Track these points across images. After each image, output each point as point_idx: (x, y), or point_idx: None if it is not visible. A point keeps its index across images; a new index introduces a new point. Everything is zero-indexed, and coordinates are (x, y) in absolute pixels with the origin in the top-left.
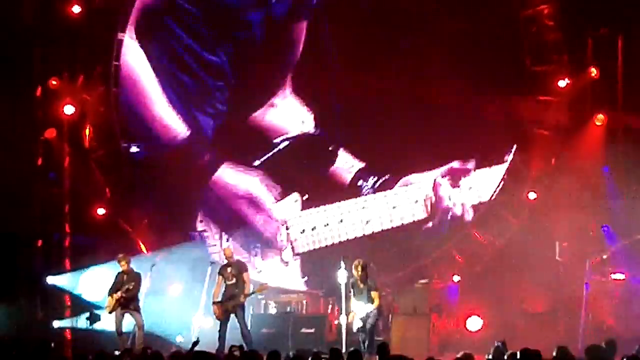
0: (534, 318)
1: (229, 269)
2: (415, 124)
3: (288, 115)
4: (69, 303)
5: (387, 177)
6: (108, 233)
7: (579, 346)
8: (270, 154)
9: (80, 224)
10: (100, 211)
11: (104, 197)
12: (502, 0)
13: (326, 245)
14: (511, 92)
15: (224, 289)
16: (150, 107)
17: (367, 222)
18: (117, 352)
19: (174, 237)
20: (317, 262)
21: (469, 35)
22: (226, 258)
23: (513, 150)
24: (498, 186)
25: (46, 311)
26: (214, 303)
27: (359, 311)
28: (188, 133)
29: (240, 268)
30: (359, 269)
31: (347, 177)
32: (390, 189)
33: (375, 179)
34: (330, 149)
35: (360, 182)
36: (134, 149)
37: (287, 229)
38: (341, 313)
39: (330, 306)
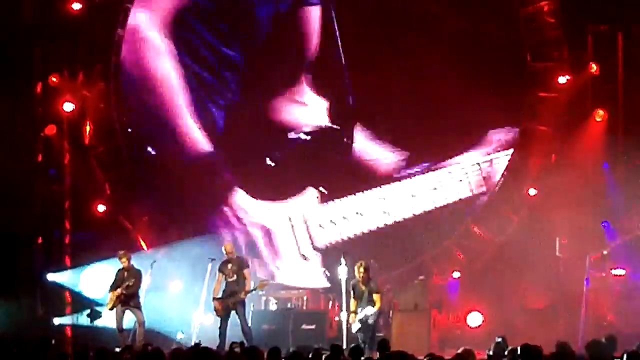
0: (534, 314)
1: (229, 266)
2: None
3: (304, 108)
4: (69, 300)
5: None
6: (108, 230)
7: (579, 342)
8: (287, 149)
9: (80, 220)
10: (101, 208)
11: (104, 194)
12: None
13: (348, 238)
14: (512, 88)
15: (224, 285)
16: (175, 114)
17: (404, 206)
18: (117, 349)
19: (175, 234)
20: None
21: (470, 32)
22: (226, 254)
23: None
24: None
25: (47, 308)
26: (214, 299)
27: (358, 313)
28: (210, 148)
29: (240, 264)
30: (361, 270)
31: (386, 167)
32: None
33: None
34: (346, 140)
35: (401, 171)
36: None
37: (305, 223)
38: (341, 309)
39: (330, 302)
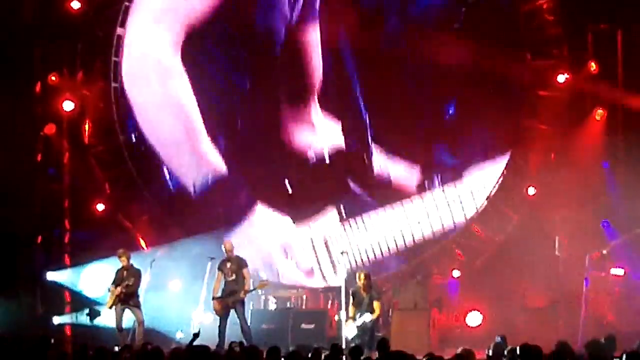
0: (533, 313)
1: (228, 264)
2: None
3: (317, 129)
4: (69, 299)
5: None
6: (108, 229)
7: (578, 341)
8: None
9: (80, 219)
10: (100, 207)
11: (104, 193)
12: None
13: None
14: (511, 86)
15: (223, 284)
16: (195, 139)
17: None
18: (117, 348)
19: (174, 233)
20: None
21: (470, 30)
22: (226, 252)
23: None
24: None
25: (46, 307)
26: (213, 299)
27: (357, 319)
28: (226, 170)
29: (240, 263)
30: (362, 278)
31: (409, 183)
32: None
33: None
34: (365, 160)
35: (425, 185)
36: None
37: (326, 245)
38: (341, 308)
39: (330, 301)
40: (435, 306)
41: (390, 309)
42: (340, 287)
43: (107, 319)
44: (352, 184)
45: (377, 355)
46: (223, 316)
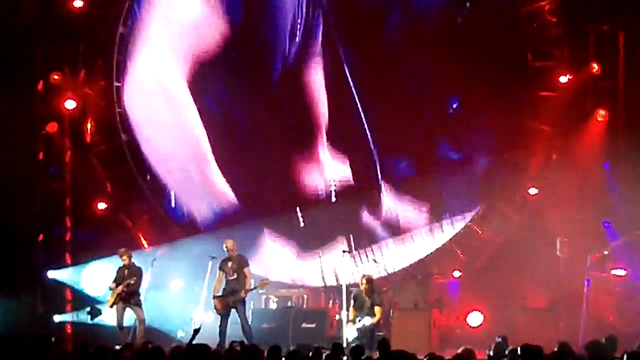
0: (534, 314)
1: (229, 264)
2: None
3: (325, 166)
4: (69, 297)
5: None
6: (109, 227)
7: (579, 342)
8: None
9: (81, 218)
10: (101, 206)
11: (105, 192)
12: None
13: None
14: (513, 87)
15: (224, 283)
16: (203, 168)
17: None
18: (117, 347)
19: (175, 232)
20: None
21: (471, 31)
22: (227, 251)
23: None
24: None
25: (47, 306)
26: (214, 297)
27: (357, 323)
28: (234, 199)
29: (241, 262)
30: (364, 282)
31: (418, 223)
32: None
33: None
34: (376, 195)
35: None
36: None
37: (336, 277)
38: (342, 308)
39: (331, 301)
40: (435, 306)
41: (391, 309)
42: (341, 287)
43: (108, 317)
44: (362, 217)
45: (377, 355)
46: (224, 315)
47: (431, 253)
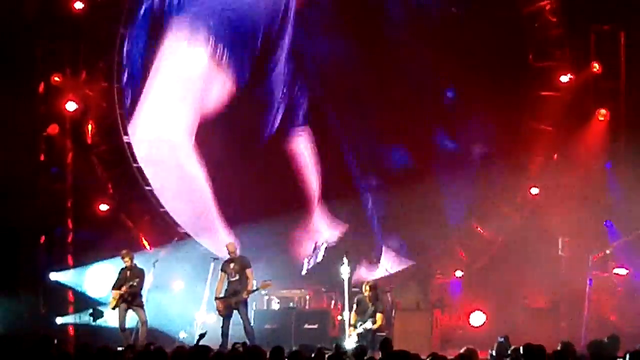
0: (536, 313)
1: (231, 265)
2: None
3: (321, 233)
4: (71, 299)
5: None
6: (110, 229)
7: (581, 341)
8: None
9: (82, 219)
10: (103, 207)
11: (107, 193)
12: None
13: None
14: (514, 87)
15: (226, 284)
16: (209, 226)
17: None
18: (120, 348)
19: (177, 233)
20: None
21: (472, 30)
22: (229, 253)
23: None
24: None
25: (49, 307)
26: (216, 299)
27: (358, 327)
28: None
29: (243, 264)
30: (367, 288)
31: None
32: None
33: None
34: (374, 258)
35: None
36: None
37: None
38: (344, 309)
39: (333, 302)
40: (437, 306)
41: (393, 309)
42: (343, 288)
43: (110, 319)
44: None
45: (380, 356)
46: (226, 316)
47: (433, 251)
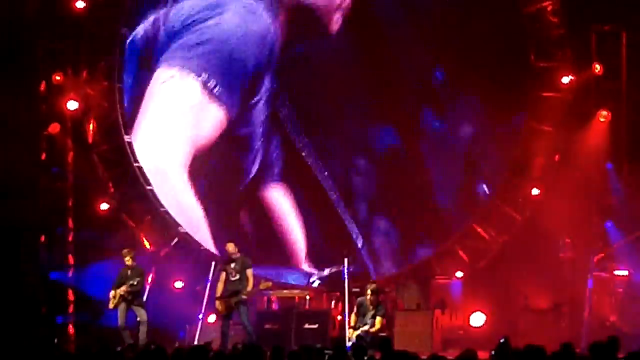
0: (537, 314)
1: (232, 265)
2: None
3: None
4: (72, 298)
5: None
6: (112, 228)
7: (582, 342)
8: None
9: (83, 218)
10: (104, 206)
11: (108, 192)
12: None
13: None
14: (515, 87)
15: (227, 284)
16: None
17: None
18: (120, 348)
19: (178, 233)
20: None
21: (473, 31)
22: (229, 254)
23: None
24: None
25: (49, 306)
26: (217, 299)
27: (357, 330)
28: None
29: (244, 264)
30: (369, 292)
31: None
32: None
33: None
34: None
35: None
36: None
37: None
38: (344, 309)
39: (333, 302)
40: (438, 307)
41: (394, 309)
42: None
43: (110, 318)
44: None
45: (380, 355)
46: (226, 316)
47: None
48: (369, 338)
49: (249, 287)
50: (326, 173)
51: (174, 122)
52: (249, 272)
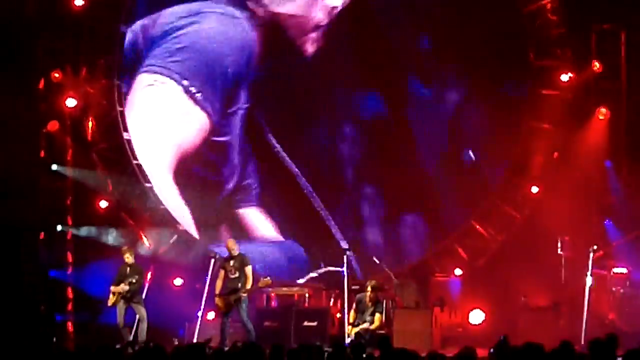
0: (536, 312)
1: (231, 262)
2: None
3: None
4: (71, 296)
5: None
6: (111, 226)
7: (581, 340)
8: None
9: (83, 216)
10: (103, 204)
11: (107, 190)
12: None
13: None
14: (514, 85)
15: (226, 282)
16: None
17: None
18: (119, 345)
19: (177, 231)
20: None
21: (473, 29)
22: (229, 251)
23: None
24: None
25: (48, 304)
26: (216, 296)
27: (356, 327)
28: None
29: (243, 261)
30: (369, 289)
31: None
32: None
33: None
34: None
35: None
36: None
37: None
38: (343, 306)
39: (332, 299)
40: (437, 305)
41: (393, 307)
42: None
43: (109, 316)
44: None
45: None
46: (225, 314)
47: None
48: (368, 336)
49: (248, 285)
50: (309, 186)
51: (158, 126)
52: (248, 269)
